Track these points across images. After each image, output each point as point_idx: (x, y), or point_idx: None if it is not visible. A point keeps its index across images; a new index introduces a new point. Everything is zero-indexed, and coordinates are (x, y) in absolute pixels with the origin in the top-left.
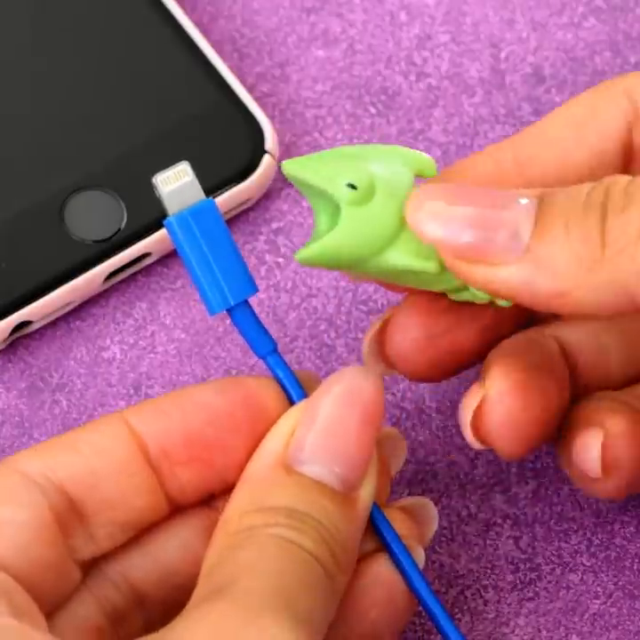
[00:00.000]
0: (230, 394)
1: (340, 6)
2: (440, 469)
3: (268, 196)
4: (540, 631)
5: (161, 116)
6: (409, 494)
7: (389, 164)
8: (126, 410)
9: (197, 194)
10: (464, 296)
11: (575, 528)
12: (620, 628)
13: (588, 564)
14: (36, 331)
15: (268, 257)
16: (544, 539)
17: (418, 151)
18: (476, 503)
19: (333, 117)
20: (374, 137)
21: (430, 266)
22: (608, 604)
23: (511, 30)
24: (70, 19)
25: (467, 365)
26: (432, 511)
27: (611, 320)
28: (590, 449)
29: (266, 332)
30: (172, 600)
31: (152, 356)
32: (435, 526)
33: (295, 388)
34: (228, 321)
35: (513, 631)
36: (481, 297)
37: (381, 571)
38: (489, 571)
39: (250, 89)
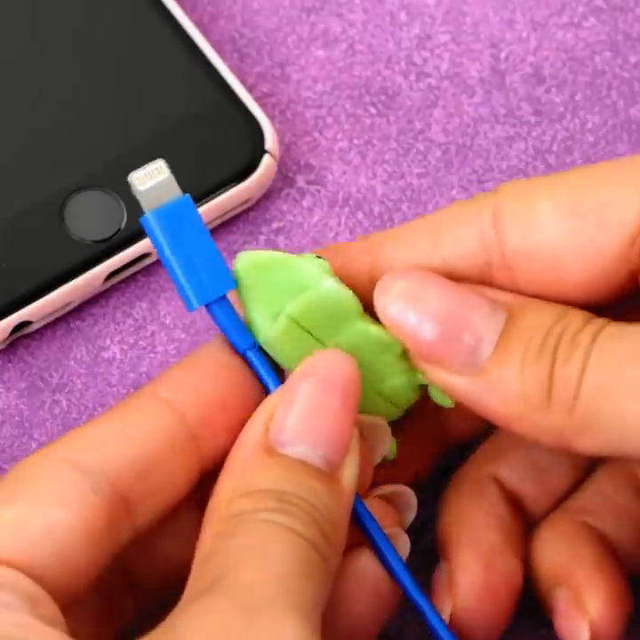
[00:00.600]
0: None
1: (340, 6)
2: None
3: (268, 196)
4: (539, 630)
5: (161, 116)
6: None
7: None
8: (154, 383)
9: (174, 190)
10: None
11: None
12: None
13: None
14: (36, 331)
15: None
16: None
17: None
18: None
19: (333, 117)
20: (374, 137)
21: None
22: None
23: (511, 30)
24: (70, 19)
25: None
26: (411, 498)
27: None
28: (579, 636)
29: (245, 327)
30: (165, 584)
31: (152, 355)
32: (414, 513)
33: (276, 385)
34: None
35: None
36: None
37: (366, 565)
38: None
39: (250, 89)
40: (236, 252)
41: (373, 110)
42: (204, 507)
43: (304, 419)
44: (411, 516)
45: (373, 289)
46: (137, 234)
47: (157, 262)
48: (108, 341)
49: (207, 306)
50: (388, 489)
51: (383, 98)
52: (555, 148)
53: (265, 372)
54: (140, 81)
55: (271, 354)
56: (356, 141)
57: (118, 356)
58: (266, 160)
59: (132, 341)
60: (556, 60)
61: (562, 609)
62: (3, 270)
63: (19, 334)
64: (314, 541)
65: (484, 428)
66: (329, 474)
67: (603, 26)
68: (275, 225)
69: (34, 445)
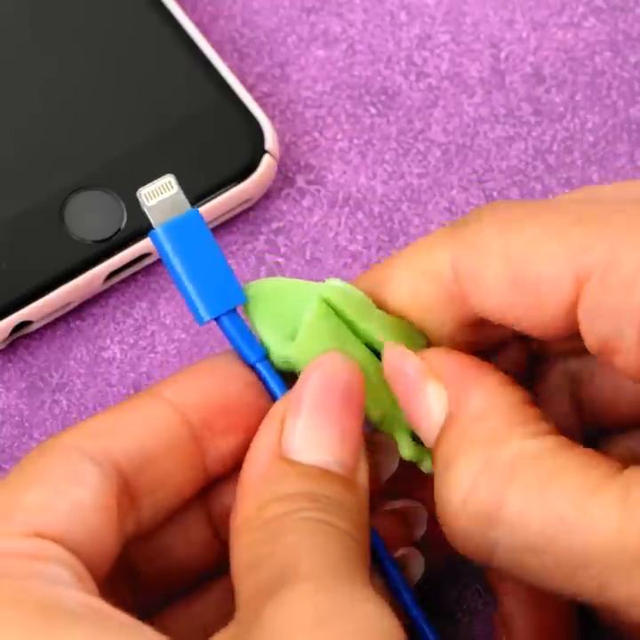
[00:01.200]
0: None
1: (339, 6)
2: None
3: (268, 196)
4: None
5: (161, 116)
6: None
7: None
8: (160, 385)
9: (183, 205)
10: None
11: None
12: None
13: None
14: (36, 331)
15: (267, 257)
16: None
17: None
18: None
19: (333, 117)
20: (374, 137)
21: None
22: None
23: (511, 30)
24: (70, 19)
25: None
26: (422, 513)
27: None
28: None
29: (254, 339)
30: (165, 581)
31: (152, 355)
32: (424, 528)
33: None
34: None
35: None
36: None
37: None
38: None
39: (250, 89)
40: (236, 252)
41: (373, 110)
42: (207, 510)
43: (313, 424)
44: (421, 530)
45: None
46: (137, 234)
47: (157, 262)
48: (108, 341)
49: (217, 320)
50: (397, 504)
51: (383, 98)
52: (555, 147)
53: (275, 382)
54: (140, 81)
55: (293, 361)
56: (355, 141)
57: (118, 355)
58: (266, 160)
59: (132, 341)
60: (556, 60)
61: None
62: (3, 270)
63: (19, 334)
64: (350, 533)
65: None
66: (346, 477)
67: (603, 26)
68: (275, 225)
69: (34, 445)
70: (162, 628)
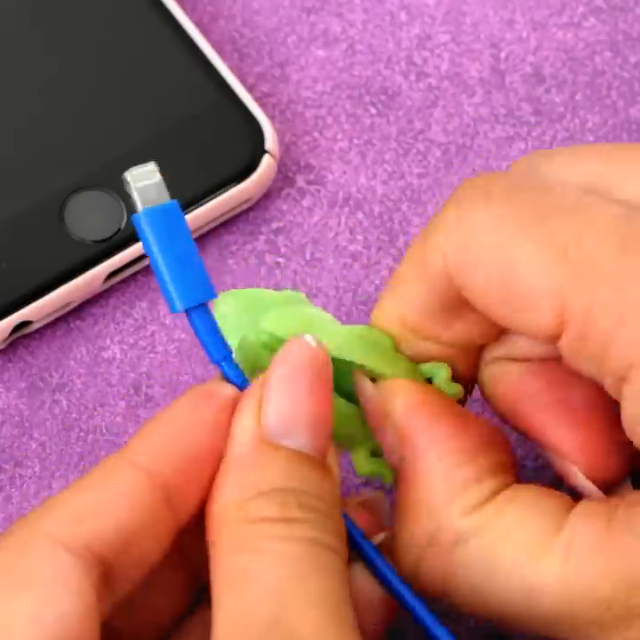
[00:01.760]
0: (203, 405)
1: (339, 6)
2: None
3: (268, 196)
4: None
5: (161, 116)
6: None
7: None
8: (128, 448)
9: (163, 195)
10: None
11: None
12: None
13: None
14: (36, 331)
15: (267, 257)
16: None
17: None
18: None
19: (333, 117)
20: (374, 137)
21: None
22: None
23: (511, 30)
24: (70, 19)
25: None
26: (385, 504)
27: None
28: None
29: (222, 338)
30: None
31: (152, 355)
32: (388, 514)
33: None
34: None
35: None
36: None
37: (358, 582)
38: None
39: (250, 89)
40: (235, 252)
41: (373, 110)
42: (178, 552)
43: (284, 407)
44: (386, 520)
45: None
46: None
47: None
48: (108, 341)
49: (188, 312)
50: (365, 496)
51: (383, 98)
52: (555, 147)
53: (239, 383)
54: (140, 81)
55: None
56: (355, 141)
57: (118, 355)
58: (266, 160)
59: (132, 341)
60: (556, 60)
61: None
62: (3, 270)
63: (19, 334)
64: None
65: None
66: (320, 461)
67: (603, 26)
68: (275, 225)
69: (34, 445)
70: None
